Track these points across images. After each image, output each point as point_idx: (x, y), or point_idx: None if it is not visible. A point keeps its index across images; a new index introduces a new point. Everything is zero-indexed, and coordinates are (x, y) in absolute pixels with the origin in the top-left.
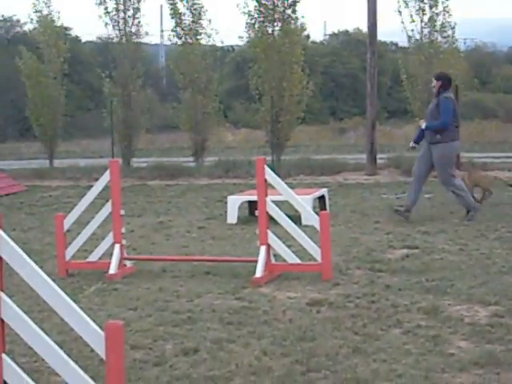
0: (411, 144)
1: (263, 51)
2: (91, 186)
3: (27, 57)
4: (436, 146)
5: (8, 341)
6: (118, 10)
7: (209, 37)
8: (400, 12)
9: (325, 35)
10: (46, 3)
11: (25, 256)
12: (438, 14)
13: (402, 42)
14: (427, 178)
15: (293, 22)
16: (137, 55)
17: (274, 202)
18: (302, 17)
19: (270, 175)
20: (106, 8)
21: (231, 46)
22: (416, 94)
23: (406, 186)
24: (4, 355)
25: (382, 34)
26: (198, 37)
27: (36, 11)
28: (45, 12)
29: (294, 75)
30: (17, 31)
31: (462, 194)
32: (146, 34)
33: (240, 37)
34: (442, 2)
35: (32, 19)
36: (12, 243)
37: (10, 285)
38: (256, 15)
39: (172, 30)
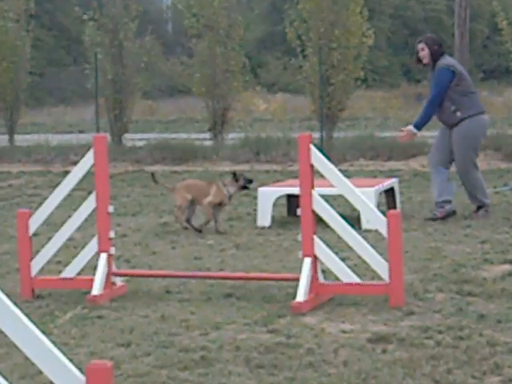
0: (410, 128)
1: None
2: (67, 173)
3: None
4: (456, 128)
5: None
6: None
7: None
8: None
9: None
10: None
11: None
12: None
13: None
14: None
15: None
16: None
17: (323, 196)
18: None
19: (319, 159)
20: None
21: None
22: None
23: (508, 175)
24: None
25: None
26: None
27: None
28: None
29: (352, 19)
30: None
31: (480, 188)
32: None
33: None
34: None
35: None
36: None
37: None
38: None
39: None
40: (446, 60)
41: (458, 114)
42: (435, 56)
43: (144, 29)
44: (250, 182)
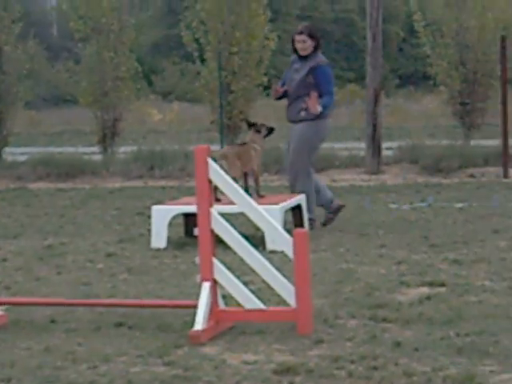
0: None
1: None
2: None
3: None
4: (299, 125)
5: None
6: None
7: None
8: None
9: None
10: None
11: None
12: None
13: None
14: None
15: None
16: None
17: (223, 215)
18: None
19: (217, 174)
20: None
21: None
22: (441, 51)
23: (426, 190)
24: None
25: None
26: None
27: None
28: None
29: (253, 20)
30: None
31: (309, 199)
32: None
33: None
34: None
35: None
36: None
37: None
38: None
39: None
40: (323, 56)
41: (303, 113)
42: (316, 50)
43: (26, 32)
44: (272, 130)
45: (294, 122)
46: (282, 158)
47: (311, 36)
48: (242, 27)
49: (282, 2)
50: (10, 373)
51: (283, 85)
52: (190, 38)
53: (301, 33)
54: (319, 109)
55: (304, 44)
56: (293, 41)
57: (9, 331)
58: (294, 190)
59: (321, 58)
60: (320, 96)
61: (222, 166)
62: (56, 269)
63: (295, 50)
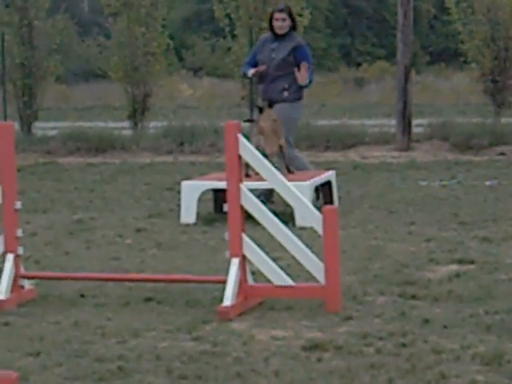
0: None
1: None
2: None
3: None
4: (280, 105)
5: None
6: None
7: None
8: None
9: None
10: None
11: None
12: None
13: None
14: None
15: None
16: None
17: (252, 191)
18: None
19: (248, 150)
20: None
21: None
22: (472, 27)
23: (456, 167)
24: None
25: None
26: None
27: None
28: None
29: None
30: None
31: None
32: None
33: None
34: None
35: None
36: None
37: None
38: None
39: None
40: (298, 36)
41: (286, 93)
42: (291, 30)
43: (57, 7)
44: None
45: (275, 102)
46: (311, 134)
47: (290, 15)
48: (273, 3)
49: None
50: (38, 347)
51: (254, 65)
52: (222, 12)
53: (282, 10)
54: (307, 80)
55: (283, 22)
56: (271, 18)
57: (38, 305)
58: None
59: (299, 38)
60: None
61: (259, 140)
62: (85, 243)
63: (271, 28)
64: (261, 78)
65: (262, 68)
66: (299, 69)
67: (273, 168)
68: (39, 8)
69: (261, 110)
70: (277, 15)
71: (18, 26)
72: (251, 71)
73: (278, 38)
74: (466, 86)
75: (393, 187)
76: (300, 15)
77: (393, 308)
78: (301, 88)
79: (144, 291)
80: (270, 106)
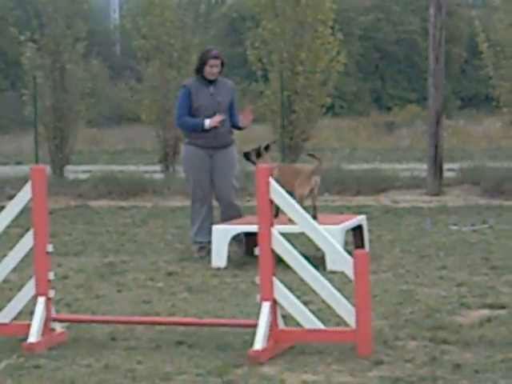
0: None
1: (271, 4)
2: (3, 208)
3: None
4: (230, 148)
5: None
6: None
7: None
8: None
9: None
10: None
11: None
12: None
13: None
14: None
15: None
16: (75, 8)
17: (283, 234)
18: None
19: (279, 193)
20: None
21: None
22: (504, 72)
23: (487, 211)
24: None
25: None
26: None
27: None
28: None
29: (319, 41)
30: None
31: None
32: None
33: None
34: None
35: None
36: None
37: None
38: None
39: None
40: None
41: (232, 136)
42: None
43: (90, 51)
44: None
45: (225, 146)
46: (342, 178)
47: (222, 62)
48: (306, 48)
49: (345, 22)
50: None
51: (189, 111)
52: (255, 57)
53: (217, 57)
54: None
55: (217, 68)
56: (204, 63)
57: (69, 348)
58: (232, 215)
59: (226, 79)
60: (233, 114)
61: (316, 182)
62: (116, 286)
63: (201, 72)
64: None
65: (221, 117)
66: (231, 109)
67: (304, 212)
68: (72, 52)
69: (259, 154)
70: (213, 62)
71: (51, 70)
72: (209, 122)
73: (210, 82)
74: (498, 130)
75: (424, 231)
76: (336, 61)
77: (424, 353)
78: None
79: (175, 335)
80: (267, 148)
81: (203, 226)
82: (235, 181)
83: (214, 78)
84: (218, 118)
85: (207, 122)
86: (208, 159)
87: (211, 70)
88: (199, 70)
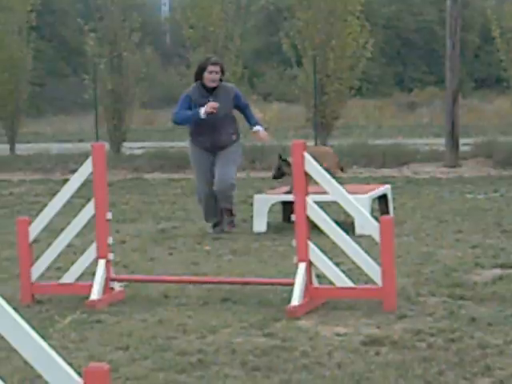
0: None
1: None
2: (67, 180)
3: None
4: (235, 144)
5: None
6: None
7: None
8: None
9: None
10: None
11: None
12: None
13: None
14: None
15: None
16: (130, 2)
17: (317, 203)
18: None
19: (312, 166)
20: None
21: None
22: None
23: (499, 181)
24: None
25: None
26: None
27: None
28: None
29: (348, 30)
30: None
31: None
32: None
33: None
34: None
35: None
36: None
37: None
38: None
39: None
40: (227, 83)
41: (234, 137)
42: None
43: (143, 40)
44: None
45: (224, 147)
46: (369, 152)
47: (222, 67)
48: (337, 36)
49: (370, 13)
50: (127, 341)
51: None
52: (289, 45)
53: (216, 63)
54: (261, 128)
55: (216, 75)
56: (203, 69)
57: (127, 305)
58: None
59: (229, 84)
60: (249, 115)
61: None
62: (168, 250)
63: (201, 78)
64: (201, 130)
65: (216, 104)
66: (241, 111)
67: (336, 183)
68: (128, 41)
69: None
70: (212, 68)
71: (109, 57)
72: (204, 109)
73: (210, 90)
74: (508, 108)
75: (442, 199)
76: (363, 47)
77: (443, 307)
78: (238, 129)
79: (221, 292)
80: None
81: (209, 211)
82: (234, 177)
83: (213, 85)
84: (212, 104)
85: (202, 110)
86: (211, 157)
87: (210, 75)
88: (198, 76)
